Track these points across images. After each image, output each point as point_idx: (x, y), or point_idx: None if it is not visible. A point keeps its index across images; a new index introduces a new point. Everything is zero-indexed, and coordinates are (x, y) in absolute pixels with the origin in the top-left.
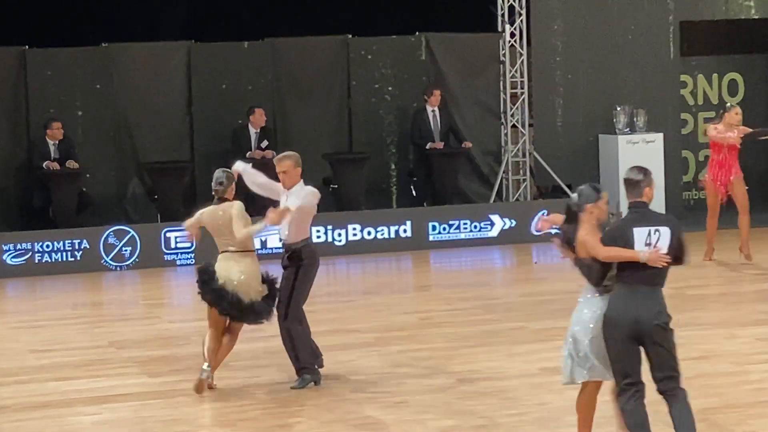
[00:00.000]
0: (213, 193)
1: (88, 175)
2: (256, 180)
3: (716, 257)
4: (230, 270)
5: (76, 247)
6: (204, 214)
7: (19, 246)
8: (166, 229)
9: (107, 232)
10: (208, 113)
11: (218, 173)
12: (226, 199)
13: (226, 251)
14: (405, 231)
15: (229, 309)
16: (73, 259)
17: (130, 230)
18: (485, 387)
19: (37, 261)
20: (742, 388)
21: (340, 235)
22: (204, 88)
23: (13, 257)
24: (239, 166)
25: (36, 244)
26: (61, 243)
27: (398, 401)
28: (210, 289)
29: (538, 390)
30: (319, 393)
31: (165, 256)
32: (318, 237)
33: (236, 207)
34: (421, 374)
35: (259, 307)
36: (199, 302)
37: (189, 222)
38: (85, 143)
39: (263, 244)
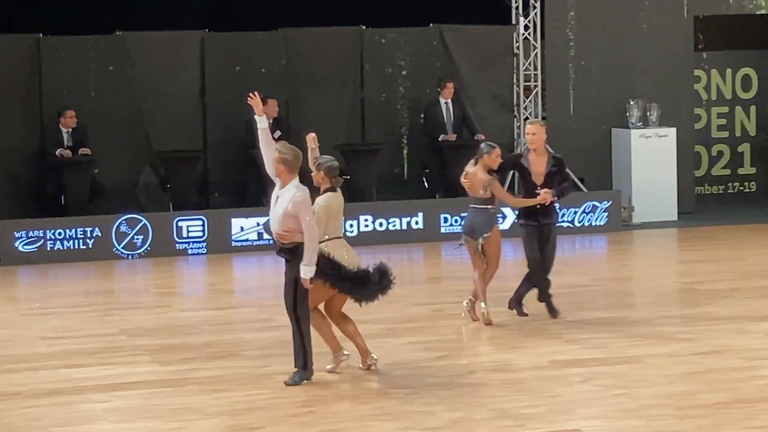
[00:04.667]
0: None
1: (100, 164)
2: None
3: (723, 253)
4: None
5: (88, 235)
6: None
7: (31, 233)
8: (178, 218)
9: (119, 221)
10: (222, 103)
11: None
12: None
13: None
14: (417, 222)
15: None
16: (85, 246)
17: (142, 219)
18: (495, 379)
19: (49, 248)
20: (752, 383)
21: (351, 226)
22: (217, 78)
23: (25, 244)
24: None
25: (48, 231)
26: (73, 231)
27: (408, 392)
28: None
29: (549, 382)
30: (328, 383)
31: (176, 245)
32: None
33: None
34: (431, 366)
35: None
36: (210, 291)
37: None
38: (98, 131)
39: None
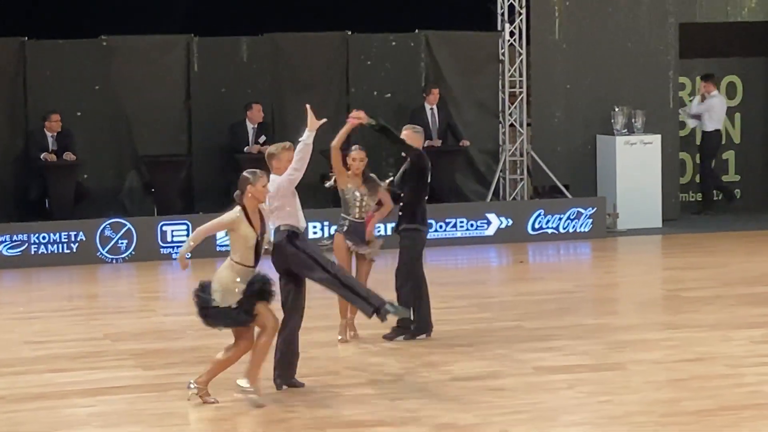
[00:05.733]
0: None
1: (85, 170)
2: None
3: (707, 260)
4: None
5: (72, 239)
6: None
7: (14, 237)
8: (162, 223)
9: (104, 225)
10: (207, 107)
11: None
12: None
13: None
14: None
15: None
16: (69, 251)
17: (127, 223)
18: (480, 385)
19: (32, 252)
20: (736, 391)
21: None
22: (203, 83)
23: (8, 248)
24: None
25: (32, 235)
26: (57, 235)
27: (393, 398)
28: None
29: (533, 389)
30: (314, 389)
31: (161, 250)
32: (315, 233)
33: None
34: (416, 372)
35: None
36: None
37: None
38: (83, 135)
39: None
